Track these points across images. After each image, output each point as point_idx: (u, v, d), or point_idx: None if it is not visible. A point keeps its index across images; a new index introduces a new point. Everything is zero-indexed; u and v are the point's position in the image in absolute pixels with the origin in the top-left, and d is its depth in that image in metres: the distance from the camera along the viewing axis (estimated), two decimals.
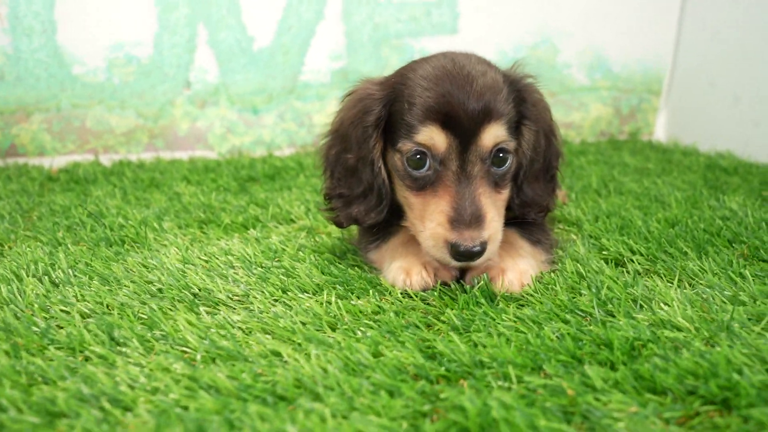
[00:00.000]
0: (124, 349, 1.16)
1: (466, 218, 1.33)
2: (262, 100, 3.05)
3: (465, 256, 1.33)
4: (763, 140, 2.91)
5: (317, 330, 1.24)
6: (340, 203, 1.56)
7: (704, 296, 1.33)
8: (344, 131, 1.53)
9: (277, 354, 1.14)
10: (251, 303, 1.37)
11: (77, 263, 1.59)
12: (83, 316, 1.31)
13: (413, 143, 1.39)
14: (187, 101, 2.96)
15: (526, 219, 1.54)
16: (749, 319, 1.22)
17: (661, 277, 1.47)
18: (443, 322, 1.27)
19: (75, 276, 1.50)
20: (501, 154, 1.42)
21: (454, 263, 1.37)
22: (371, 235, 1.64)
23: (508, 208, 1.52)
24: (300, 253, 1.69)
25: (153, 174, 2.61)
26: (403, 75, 1.47)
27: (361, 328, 1.24)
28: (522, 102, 1.47)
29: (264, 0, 2.96)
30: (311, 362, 1.09)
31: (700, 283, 1.41)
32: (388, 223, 1.64)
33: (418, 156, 1.40)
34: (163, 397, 0.99)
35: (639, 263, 1.56)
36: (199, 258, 1.64)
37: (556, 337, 1.18)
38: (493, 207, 1.39)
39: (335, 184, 1.57)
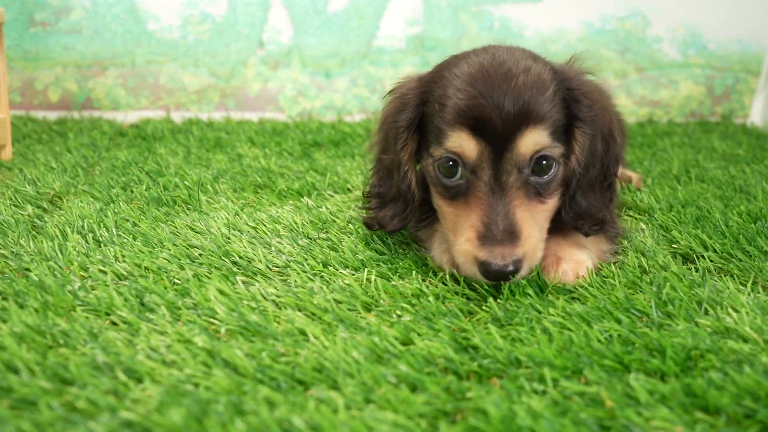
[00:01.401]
0: (151, 316, 1.13)
1: (498, 234, 1.20)
2: (335, 64, 2.99)
3: (496, 276, 1.20)
4: None
5: (351, 310, 1.18)
6: (377, 204, 1.50)
7: None
8: (384, 130, 1.45)
9: (304, 333, 1.09)
10: (289, 275, 1.32)
11: (125, 222, 1.58)
12: (120, 277, 1.29)
13: (443, 149, 1.27)
14: (260, 62, 2.93)
15: (579, 232, 1.40)
16: None
17: (734, 279, 1.35)
18: (486, 311, 1.19)
19: (119, 236, 1.49)
20: (544, 162, 1.27)
21: (487, 282, 1.25)
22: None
23: (560, 220, 1.38)
24: (350, 225, 1.63)
25: (219, 134, 2.60)
26: (439, 73, 1.35)
27: (397, 312, 1.18)
28: (575, 102, 1.31)
29: None
30: (336, 346, 1.03)
31: None
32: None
33: (449, 163, 1.28)
34: (177, 372, 0.95)
35: (712, 260, 1.43)
36: (247, 224, 1.60)
37: (605, 338, 1.08)
38: (531, 220, 1.25)
39: (377, 183, 1.51)
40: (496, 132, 1.22)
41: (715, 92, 3.27)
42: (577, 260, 1.34)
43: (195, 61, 2.89)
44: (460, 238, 1.24)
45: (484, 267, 1.19)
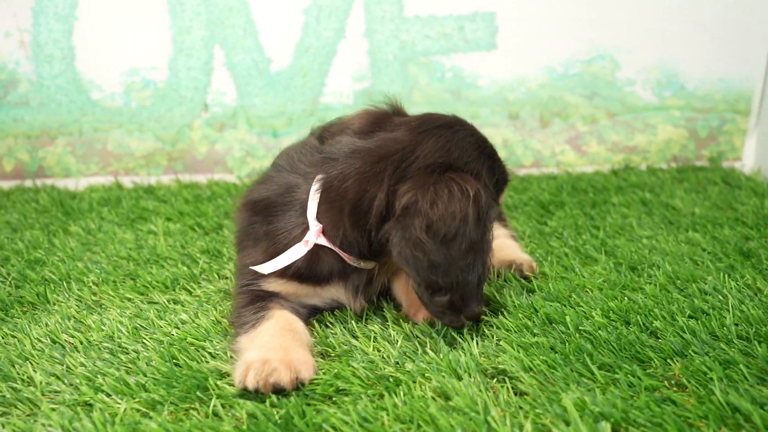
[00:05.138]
0: None
1: None
2: (282, 123, 2.94)
3: None
4: None
5: None
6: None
7: None
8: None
9: None
10: (44, 412, 1.26)
11: None
12: None
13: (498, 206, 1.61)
14: (206, 124, 2.92)
15: None
16: None
17: (520, 414, 1.20)
18: None
19: None
20: None
21: None
22: (246, 316, 1.50)
23: None
24: (174, 330, 1.57)
25: (150, 204, 2.59)
26: (466, 151, 1.52)
27: None
28: None
29: (281, 20, 2.83)
30: None
31: None
32: (265, 298, 1.54)
33: None
34: None
35: (521, 381, 1.29)
36: (68, 332, 1.57)
37: None
38: None
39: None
40: None
41: (699, 135, 3.02)
42: None
43: (140, 126, 2.90)
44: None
45: None
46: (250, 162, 2.97)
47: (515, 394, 1.27)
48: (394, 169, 1.46)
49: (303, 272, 1.53)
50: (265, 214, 1.56)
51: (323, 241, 1.49)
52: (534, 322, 1.53)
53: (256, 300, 1.54)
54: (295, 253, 1.50)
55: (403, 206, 1.40)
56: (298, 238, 1.50)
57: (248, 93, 2.90)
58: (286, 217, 1.53)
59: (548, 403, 1.21)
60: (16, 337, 1.56)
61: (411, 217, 1.38)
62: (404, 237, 1.39)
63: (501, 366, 1.36)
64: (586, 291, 1.71)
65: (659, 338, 1.44)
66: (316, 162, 1.54)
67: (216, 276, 1.91)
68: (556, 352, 1.38)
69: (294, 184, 1.55)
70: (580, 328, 1.48)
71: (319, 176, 1.50)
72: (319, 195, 1.49)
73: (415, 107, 2.86)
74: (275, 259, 1.51)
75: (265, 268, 1.51)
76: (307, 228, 1.50)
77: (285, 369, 1.30)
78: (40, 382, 1.35)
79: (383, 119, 1.58)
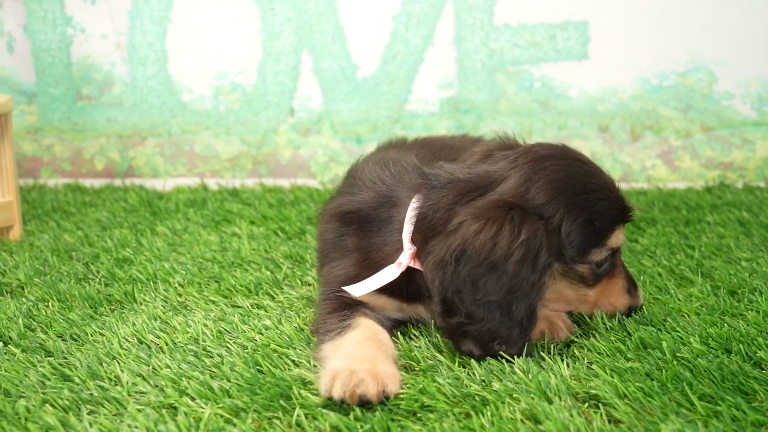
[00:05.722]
0: None
1: (632, 290, 1.61)
2: (366, 130, 2.93)
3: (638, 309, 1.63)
4: None
5: None
6: None
7: None
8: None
9: None
10: (130, 413, 1.27)
11: (29, 331, 1.60)
12: None
13: (607, 249, 1.49)
14: (291, 129, 2.94)
15: None
16: None
17: None
18: None
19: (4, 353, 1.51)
20: None
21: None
22: (334, 322, 1.50)
23: None
24: (258, 336, 1.57)
25: (235, 206, 2.62)
26: (558, 191, 1.44)
27: None
28: None
29: (369, 27, 2.83)
30: None
31: None
32: (351, 307, 1.53)
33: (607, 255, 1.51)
34: None
35: (615, 408, 1.23)
36: (154, 333, 1.58)
37: None
38: None
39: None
40: None
41: None
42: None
43: (227, 129, 2.95)
44: (612, 298, 1.57)
45: (633, 307, 1.59)
46: (333, 168, 2.98)
47: (609, 422, 1.21)
48: (470, 202, 1.45)
49: (395, 288, 1.53)
50: (357, 227, 1.57)
51: (416, 265, 1.49)
52: (627, 346, 1.46)
53: (341, 308, 1.53)
54: (388, 275, 1.50)
55: (452, 227, 1.41)
56: (390, 257, 1.52)
57: (334, 99, 2.90)
58: (381, 234, 1.54)
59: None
60: (104, 335, 1.59)
61: (452, 236, 1.40)
62: (438, 252, 1.41)
63: (593, 391, 1.30)
64: (683, 315, 1.63)
65: (764, 370, 1.35)
66: (417, 186, 1.53)
67: (299, 282, 1.91)
68: (652, 380, 1.32)
69: (392, 203, 1.55)
70: (677, 354, 1.41)
71: (416, 200, 1.50)
72: (414, 220, 1.49)
73: (501, 117, 2.81)
74: (367, 279, 1.52)
75: (357, 289, 1.52)
76: (399, 248, 1.50)
77: (372, 381, 1.27)
78: (127, 382, 1.36)
79: (493, 153, 1.57)
